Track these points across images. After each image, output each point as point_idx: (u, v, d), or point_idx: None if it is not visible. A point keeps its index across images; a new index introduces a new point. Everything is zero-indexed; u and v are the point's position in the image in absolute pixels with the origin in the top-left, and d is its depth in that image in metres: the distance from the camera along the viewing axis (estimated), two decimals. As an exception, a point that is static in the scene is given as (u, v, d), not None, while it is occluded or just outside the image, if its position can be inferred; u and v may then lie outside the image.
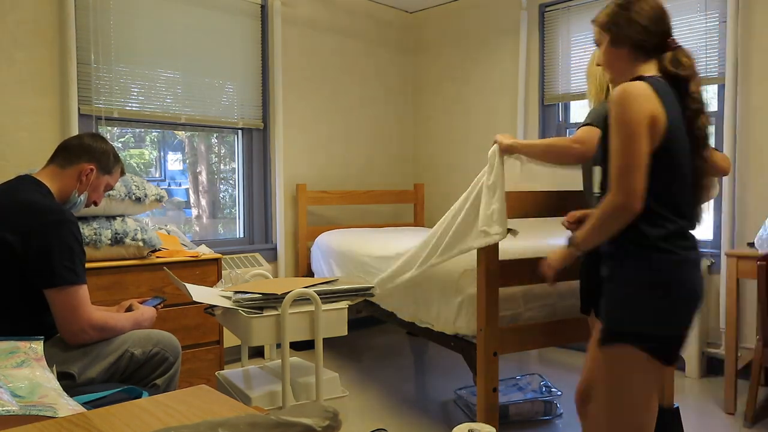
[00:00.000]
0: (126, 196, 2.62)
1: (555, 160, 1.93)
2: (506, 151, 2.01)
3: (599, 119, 1.85)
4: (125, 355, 1.76)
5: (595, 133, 1.83)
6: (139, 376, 1.81)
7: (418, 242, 2.44)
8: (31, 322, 1.70)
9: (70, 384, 1.63)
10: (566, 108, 4.11)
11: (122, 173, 2.03)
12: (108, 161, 1.93)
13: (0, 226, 1.63)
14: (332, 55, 4.45)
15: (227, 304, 1.87)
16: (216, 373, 2.18)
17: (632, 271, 1.50)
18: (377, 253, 3.09)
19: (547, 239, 2.73)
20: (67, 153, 1.86)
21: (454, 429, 0.93)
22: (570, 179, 2.18)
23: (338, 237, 3.68)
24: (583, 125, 1.95)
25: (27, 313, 1.69)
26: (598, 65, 1.76)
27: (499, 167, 2.00)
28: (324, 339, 1.88)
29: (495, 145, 2.04)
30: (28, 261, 1.63)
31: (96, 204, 1.97)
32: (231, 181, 4.13)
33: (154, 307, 2.02)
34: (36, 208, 1.68)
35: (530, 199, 2.17)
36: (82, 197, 1.89)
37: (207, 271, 2.87)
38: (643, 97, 1.45)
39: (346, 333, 1.95)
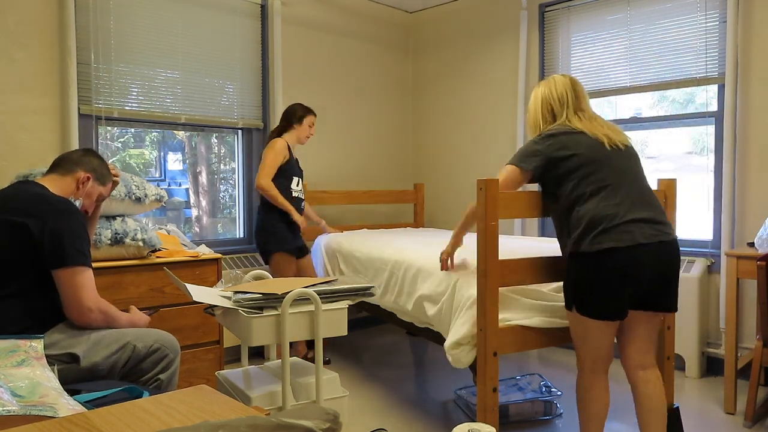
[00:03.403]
0: (126, 196, 2.62)
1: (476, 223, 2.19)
2: (451, 253, 2.43)
3: (535, 159, 2.11)
4: (128, 345, 1.83)
5: (506, 173, 2.14)
6: (140, 371, 1.85)
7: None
8: (44, 301, 1.79)
9: (74, 367, 1.72)
10: (566, 108, 4.11)
11: (113, 187, 2.18)
12: (103, 173, 2.09)
13: (20, 213, 1.77)
14: (332, 55, 4.45)
15: (227, 304, 1.87)
16: (216, 373, 2.18)
17: None
18: (377, 253, 3.09)
19: (545, 239, 2.72)
20: (66, 163, 2.02)
21: (454, 429, 0.92)
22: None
23: (338, 237, 3.68)
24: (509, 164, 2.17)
25: (41, 294, 1.79)
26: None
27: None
28: (324, 339, 1.89)
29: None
30: (43, 243, 1.75)
31: (87, 213, 2.09)
32: (231, 181, 4.13)
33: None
34: (50, 199, 1.85)
35: (523, 200, 2.18)
36: (77, 203, 2.00)
37: (207, 271, 2.87)
38: None
39: (346, 333, 1.95)
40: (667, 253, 1.97)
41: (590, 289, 1.95)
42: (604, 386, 2.08)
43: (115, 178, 2.18)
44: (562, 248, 2.10)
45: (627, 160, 2.06)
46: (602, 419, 2.09)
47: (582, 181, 2.00)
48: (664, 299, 2.02)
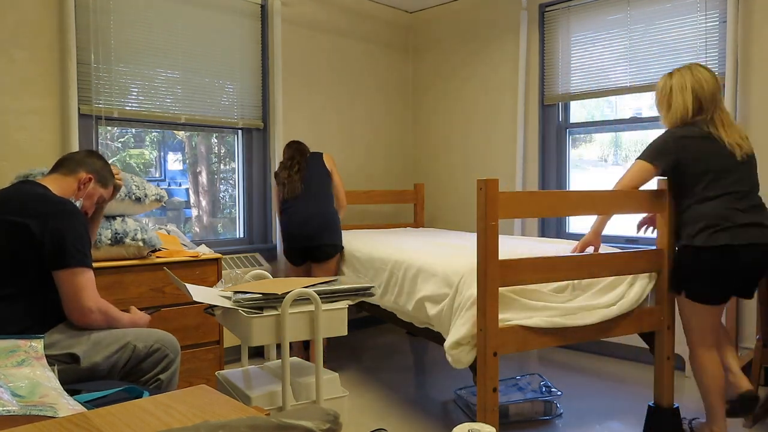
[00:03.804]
0: (126, 196, 2.62)
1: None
2: (594, 242, 2.48)
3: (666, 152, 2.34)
4: (128, 346, 1.83)
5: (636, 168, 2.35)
6: (140, 371, 1.85)
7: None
8: (44, 302, 1.79)
9: (74, 367, 1.72)
10: (566, 108, 4.11)
11: (115, 191, 2.17)
12: (105, 175, 2.08)
13: (21, 213, 1.77)
14: (332, 55, 4.45)
15: (227, 304, 1.87)
16: (216, 373, 2.18)
17: None
18: (377, 253, 3.09)
19: (544, 239, 2.71)
20: (70, 163, 2.02)
21: (454, 429, 0.93)
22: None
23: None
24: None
25: (41, 294, 1.79)
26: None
27: None
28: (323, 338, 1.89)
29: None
30: (44, 244, 1.75)
31: (87, 214, 2.08)
32: (231, 181, 4.13)
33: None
34: (51, 199, 1.86)
35: (523, 200, 2.18)
36: (78, 203, 2.00)
37: (207, 271, 2.87)
38: None
39: (346, 333, 1.95)
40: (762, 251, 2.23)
41: (697, 278, 2.29)
42: (714, 359, 2.33)
43: (117, 182, 2.18)
44: (677, 240, 2.38)
45: (749, 169, 2.31)
46: (719, 390, 2.32)
47: (708, 186, 2.25)
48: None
